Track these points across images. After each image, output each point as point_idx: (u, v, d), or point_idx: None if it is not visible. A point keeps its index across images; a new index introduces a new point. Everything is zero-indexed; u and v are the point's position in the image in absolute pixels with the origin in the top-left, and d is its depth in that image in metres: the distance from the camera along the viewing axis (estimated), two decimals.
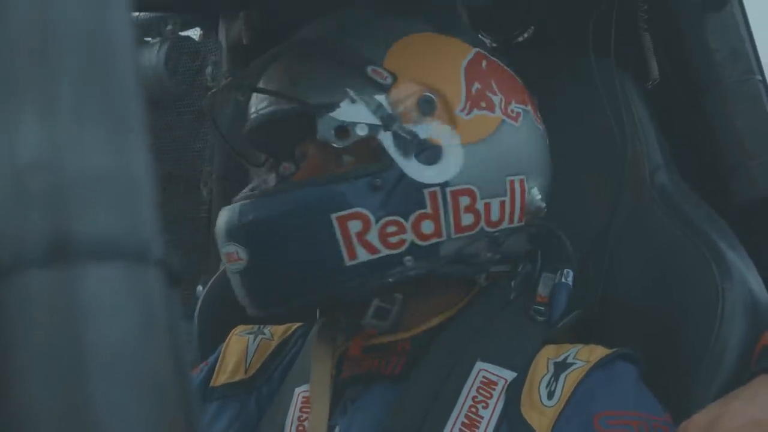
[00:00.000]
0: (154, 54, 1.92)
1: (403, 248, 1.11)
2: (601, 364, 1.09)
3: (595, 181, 1.39)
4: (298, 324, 1.36)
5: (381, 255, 1.11)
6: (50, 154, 0.28)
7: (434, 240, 1.13)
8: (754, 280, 1.21)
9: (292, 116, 1.18)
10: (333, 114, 1.11)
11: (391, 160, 1.11)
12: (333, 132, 1.12)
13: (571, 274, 1.25)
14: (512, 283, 1.21)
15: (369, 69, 1.13)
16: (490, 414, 1.07)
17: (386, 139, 1.12)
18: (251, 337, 1.34)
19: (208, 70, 1.83)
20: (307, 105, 1.14)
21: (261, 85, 1.22)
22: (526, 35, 1.62)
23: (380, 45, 1.17)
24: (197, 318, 1.58)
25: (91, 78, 0.29)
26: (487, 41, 1.60)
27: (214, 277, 1.59)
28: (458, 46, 1.22)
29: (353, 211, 1.10)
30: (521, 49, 1.61)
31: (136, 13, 1.96)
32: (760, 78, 1.41)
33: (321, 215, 1.10)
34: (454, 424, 1.07)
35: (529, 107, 1.23)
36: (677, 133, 1.46)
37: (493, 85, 1.20)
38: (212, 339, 1.45)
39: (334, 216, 1.09)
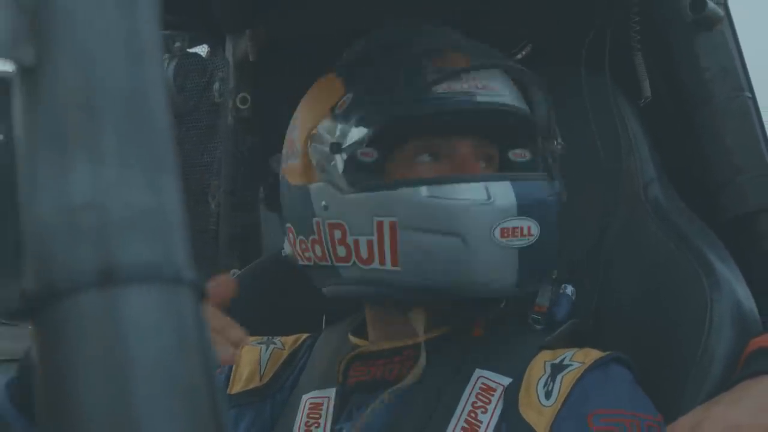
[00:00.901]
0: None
1: None
2: (597, 365, 1.13)
3: (590, 195, 1.43)
4: (306, 335, 1.40)
5: None
6: (98, 195, 0.33)
7: None
8: (743, 291, 1.25)
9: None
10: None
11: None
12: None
13: (569, 287, 1.30)
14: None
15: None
16: (489, 418, 1.11)
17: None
18: (263, 347, 1.38)
19: (216, 86, 1.86)
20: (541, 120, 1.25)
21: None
22: (524, 52, 1.67)
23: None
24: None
25: (130, 129, 0.34)
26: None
27: None
28: None
29: None
30: (522, 63, 1.65)
31: None
32: (749, 95, 1.46)
33: (557, 209, 1.21)
34: (454, 429, 1.11)
35: None
36: (670, 148, 1.50)
37: None
38: None
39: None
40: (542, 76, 1.44)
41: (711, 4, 1.43)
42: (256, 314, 1.55)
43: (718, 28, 1.46)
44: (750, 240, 1.43)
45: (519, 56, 1.66)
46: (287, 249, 1.31)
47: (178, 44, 1.97)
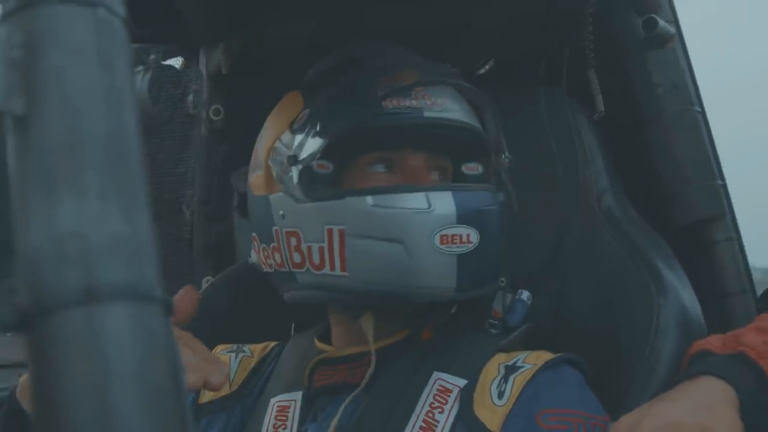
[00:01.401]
0: (137, 82, 1.98)
1: None
2: (548, 366, 1.18)
3: (548, 205, 1.49)
4: (275, 343, 1.46)
5: None
6: (81, 225, 0.39)
7: None
8: (688, 297, 1.30)
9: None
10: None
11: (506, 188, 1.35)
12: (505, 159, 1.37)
13: (525, 293, 1.36)
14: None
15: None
16: (446, 418, 1.16)
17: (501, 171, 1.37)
18: (232, 355, 1.44)
19: (190, 98, 1.88)
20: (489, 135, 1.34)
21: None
22: (487, 67, 1.73)
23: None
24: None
25: (109, 169, 0.40)
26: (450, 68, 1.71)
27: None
28: None
29: None
30: (483, 80, 1.71)
31: None
32: (698, 109, 1.52)
33: (502, 218, 1.29)
34: (412, 428, 1.16)
35: None
36: (624, 160, 1.56)
37: None
38: None
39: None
40: (503, 92, 1.51)
41: (662, 23, 1.50)
42: (229, 320, 1.60)
43: (669, 45, 1.52)
44: (699, 247, 1.49)
45: (482, 71, 1.72)
46: (253, 257, 1.37)
47: (153, 56, 2.00)
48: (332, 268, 1.21)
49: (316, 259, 1.22)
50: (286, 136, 1.27)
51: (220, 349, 1.46)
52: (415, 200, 1.19)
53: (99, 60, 0.41)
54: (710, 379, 1.04)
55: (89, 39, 0.42)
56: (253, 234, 1.35)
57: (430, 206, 1.18)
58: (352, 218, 1.19)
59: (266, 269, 1.33)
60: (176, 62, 2.03)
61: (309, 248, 1.23)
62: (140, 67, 2.03)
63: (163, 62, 2.02)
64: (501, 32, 1.60)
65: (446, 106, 1.26)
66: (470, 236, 1.20)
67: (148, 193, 0.42)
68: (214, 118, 1.80)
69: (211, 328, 1.59)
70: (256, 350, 1.45)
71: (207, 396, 1.39)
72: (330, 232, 1.20)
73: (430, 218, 1.18)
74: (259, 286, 1.46)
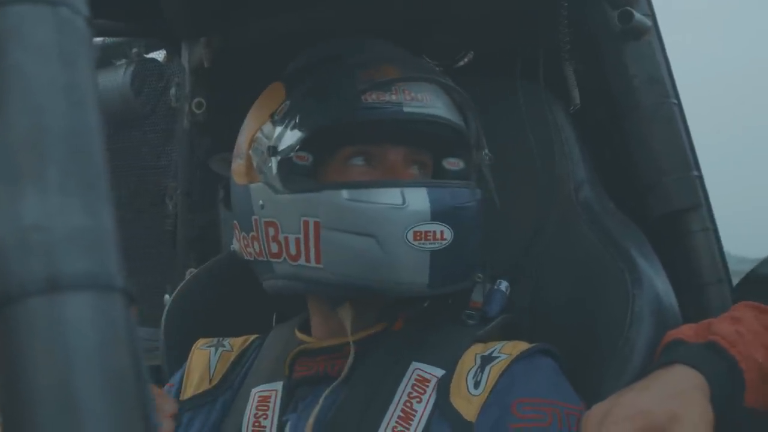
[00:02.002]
0: (120, 75, 1.99)
1: None
2: (523, 356, 1.19)
3: (526, 197, 1.51)
4: (255, 336, 1.48)
5: None
6: (44, 218, 0.41)
7: None
8: (663, 286, 1.32)
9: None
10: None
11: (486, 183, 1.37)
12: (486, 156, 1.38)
13: (504, 283, 1.38)
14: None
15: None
16: (424, 407, 1.17)
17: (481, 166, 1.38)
18: (212, 350, 1.45)
19: (172, 91, 1.90)
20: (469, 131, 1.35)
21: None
22: (466, 60, 1.74)
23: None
24: (164, 324, 1.68)
25: (71, 164, 0.42)
26: (432, 65, 1.73)
27: (180, 286, 1.69)
28: None
29: None
30: (461, 72, 1.72)
31: (103, 38, 2.05)
32: (674, 101, 1.54)
33: (480, 215, 1.30)
34: (390, 418, 1.17)
35: None
36: (601, 152, 1.58)
37: None
38: (178, 343, 1.56)
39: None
40: (482, 85, 1.53)
41: (638, 16, 1.51)
42: (212, 311, 1.61)
43: (646, 38, 1.54)
44: (674, 238, 1.51)
45: (461, 63, 1.74)
46: (235, 244, 1.39)
47: (135, 50, 2.01)
48: (308, 259, 1.22)
49: (293, 250, 1.24)
50: (267, 127, 1.29)
51: (200, 343, 1.47)
52: (390, 196, 1.20)
53: (61, 58, 0.43)
54: (681, 368, 1.06)
55: (51, 38, 0.43)
56: (235, 222, 1.36)
57: (404, 202, 1.20)
58: (327, 211, 1.21)
59: (246, 257, 1.35)
60: (159, 55, 2.04)
61: (286, 239, 1.24)
62: (123, 61, 2.04)
63: (145, 55, 2.03)
64: (479, 25, 1.61)
65: (427, 102, 1.28)
66: (444, 233, 1.21)
67: (109, 187, 0.43)
68: (197, 111, 1.81)
69: (193, 319, 1.61)
70: (236, 344, 1.47)
71: (188, 392, 1.40)
72: (306, 223, 1.22)
73: (403, 214, 1.19)
74: (241, 276, 1.47)
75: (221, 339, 1.47)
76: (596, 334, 1.30)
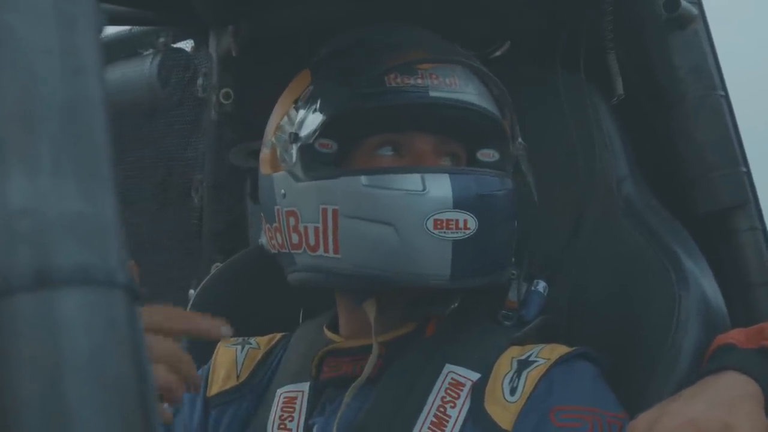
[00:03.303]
0: (147, 65, 1.96)
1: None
2: (562, 361, 1.14)
3: (565, 192, 1.45)
4: (281, 334, 1.43)
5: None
6: (34, 202, 0.35)
7: None
8: (710, 287, 1.27)
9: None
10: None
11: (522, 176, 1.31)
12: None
13: (541, 283, 1.32)
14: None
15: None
16: (458, 413, 1.13)
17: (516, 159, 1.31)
18: (238, 347, 1.41)
19: (200, 81, 1.86)
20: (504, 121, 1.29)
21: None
22: (502, 50, 1.69)
23: None
24: None
25: (66, 140, 0.36)
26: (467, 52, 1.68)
27: (205, 280, 1.66)
28: None
29: None
30: (498, 62, 1.67)
31: (130, 28, 2.02)
32: (722, 93, 1.47)
33: (514, 205, 1.24)
34: (423, 423, 1.12)
35: None
36: (644, 145, 1.52)
37: None
38: (201, 341, 1.52)
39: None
40: (520, 75, 1.48)
41: (685, 3, 1.46)
42: (236, 306, 1.57)
43: (692, 27, 1.48)
44: (721, 236, 1.45)
45: (497, 53, 1.68)
46: (262, 238, 1.34)
47: (162, 39, 1.97)
48: (326, 249, 1.17)
49: (312, 240, 1.19)
50: (291, 113, 1.24)
51: (224, 343, 1.43)
52: (410, 181, 1.14)
53: (57, 19, 0.37)
54: (733, 374, 1.01)
55: None
56: (261, 214, 1.32)
57: (424, 188, 1.14)
58: (345, 198, 1.16)
59: (272, 250, 1.30)
60: (186, 45, 2.00)
61: (305, 228, 1.19)
62: (150, 50, 2.01)
63: (172, 45, 2.00)
64: (517, 13, 1.56)
65: (456, 87, 1.22)
66: (467, 222, 1.14)
67: (111, 167, 0.37)
68: (224, 102, 1.78)
69: (218, 314, 1.56)
70: (262, 342, 1.42)
71: (214, 388, 1.36)
72: (325, 211, 1.17)
73: (423, 201, 1.14)
74: (268, 271, 1.42)
75: (246, 338, 1.42)
76: (639, 336, 1.25)
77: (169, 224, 1.96)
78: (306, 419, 1.23)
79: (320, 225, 1.17)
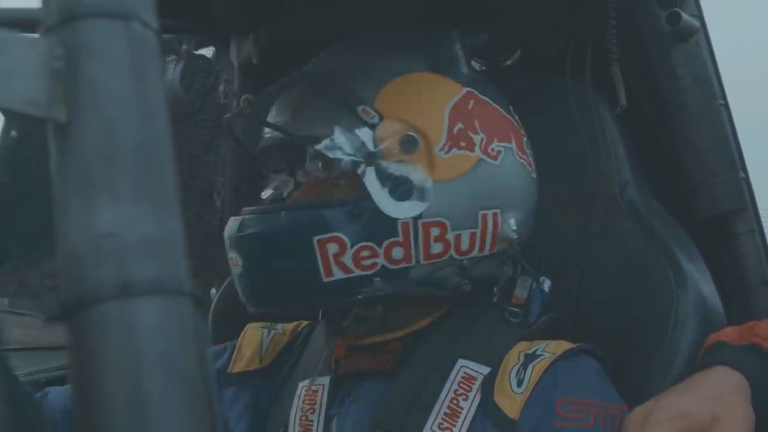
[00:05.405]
0: (170, 72, 2.02)
1: (374, 270, 1.22)
2: (566, 356, 1.20)
3: (569, 196, 1.51)
4: (306, 323, 1.50)
5: (354, 275, 1.22)
6: (117, 226, 0.43)
7: (403, 265, 1.23)
8: (708, 288, 1.33)
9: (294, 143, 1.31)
10: (318, 147, 1.22)
11: (368, 193, 1.22)
12: (319, 164, 1.28)
13: (547, 282, 1.38)
14: (495, 288, 1.34)
15: (359, 108, 1.24)
16: (470, 405, 1.18)
17: (368, 173, 1.23)
18: (265, 331, 1.49)
19: (221, 87, 1.93)
20: (297, 138, 1.28)
21: (270, 113, 1.35)
22: (513, 58, 1.75)
23: (372, 84, 1.28)
24: (211, 317, 1.71)
25: (142, 173, 0.44)
26: (477, 65, 1.74)
27: (227, 280, 1.71)
28: (448, 87, 1.30)
29: (332, 235, 1.20)
30: (508, 71, 1.73)
31: None
32: (722, 102, 1.53)
33: (305, 237, 1.21)
34: (437, 415, 1.18)
35: (512, 144, 1.31)
36: (648, 152, 1.58)
37: (477, 125, 1.28)
38: (224, 339, 1.58)
39: (315, 238, 1.20)
40: (530, 83, 1.54)
41: (686, 17, 1.51)
42: None
43: (693, 39, 1.53)
44: (720, 239, 1.51)
45: (508, 62, 1.75)
46: None
47: (185, 47, 2.04)
48: None
49: None
50: None
51: (252, 325, 1.50)
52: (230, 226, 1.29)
53: (132, 71, 0.45)
54: (722, 369, 1.06)
55: (123, 51, 0.45)
56: None
57: (228, 231, 1.29)
58: None
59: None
60: (208, 52, 2.06)
61: None
62: (172, 57, 2.07)
63: (194, 52, 2.06)
64: (525, 24, 1.62)
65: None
66: (237, 260, 1.26)
67: (178, 195, 0.45)
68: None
69: (240, 314, 1.62)
70: (288, 329, 1.50)
71: (237, 366, 1.44)
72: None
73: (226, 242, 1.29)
74: None
75: (273, 323, 1.50)
76: (640, 334, 1.30)
77: (192, 225, 2.02)
78: (326, 411, 1.29)
79: None
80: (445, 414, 1.19)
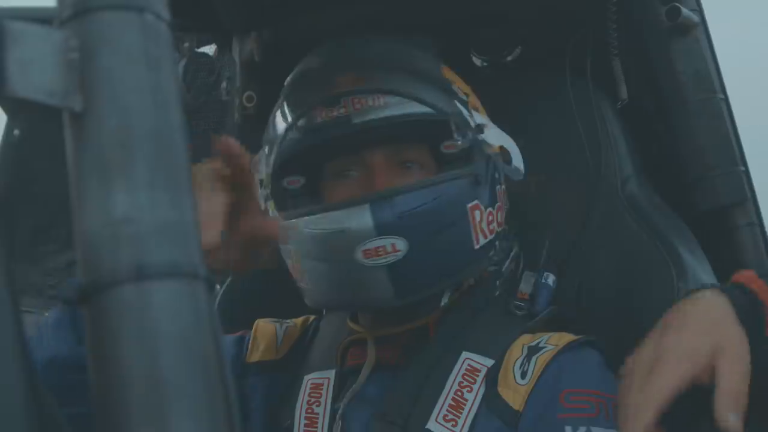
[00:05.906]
0: None
1: (494, 235, 1.30)
2: (569, 348, 1.22)
3: (571, 191, 1.53)
4: (314, 317, 1.51)
5: (489, 240, 1.29)
6: (133, 211, 0.44)
7: (500, 229, 1.32)
8: (708, 280, 1.33)
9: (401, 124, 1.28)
10: (467, 120, 1.29)
11: (488, 157, 1.30)
12: (458, 136, 1.30)
13: (551, 276, 1.40)
14: (497, 282, 1.36)
15: (454, 86, 1.32)
16: (474, 396, 1.20)
17: (478, 143, 1.29)
18: (278, 324, 1.50)
19: (223, 85, 1.92)
20: (446, 114, 1.29)
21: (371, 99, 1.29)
22: (514, 55, 1.76)
23: (435, 67, 1.35)
24: None
25: (157, 161, 0.45)
26: (478, 61, 1.75)
27: (229, 279, 1.73)
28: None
29: (475, 203, 1.26)
30: (509, 68, 1.74)
31: None
32: (722, 96, 1.54)
33: (461, 206, 1.25)
34: (442, 406, 1.20)
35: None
36: (649, 147, 1.59)
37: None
38: (228, 334, 1.59)
39: (468, 206, 1.25)
40: (531, 79, 1.55)
41: (686, 12, 1.52)
42: (261, 301, 1.64)
43: (693, 34, 1.54)
44: (720, 232, 1.52)
45: (509, 58, 1.75)
46: None
47: (187, 44, 2.03)
48: (302, 282, 1.33)
49: (294, 273, 1.34)
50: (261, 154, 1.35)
51: (262, 319, 1.51)
52: (332, 220, 1.23)
53: (147, 61, 0.46)
54: (708, 294, 1.04)
55: (138, 42, 0.47)
56: None
57: (344, 225, 1.21)
58: (296, 239, 1.28)
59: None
60: (210, 49, 2.06)
61: (289, 263, 1.34)
62: (175, 55, 2.07)
63: (196, 50, 2.05)
64: (527, 21, 1.63)
65: (378, 105, 1.27)
66: (396, 245, 1.20)
67: (191, 182, 0.46)
68: (247, 105, 1.83)
69: (243, 310, 1.64)
70: (299, 323, 1.51)
71: (254, 356, 1.44)
72: (289, 251, 1.31)
73: (346, 237, 1.21)
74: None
75: (282, 320, 1.51)
76: (641, 326, 1.29)
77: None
78: (332, 404, 1.30)
79: (292, 261, 1.32)
80: (450, 406, 1.20)
